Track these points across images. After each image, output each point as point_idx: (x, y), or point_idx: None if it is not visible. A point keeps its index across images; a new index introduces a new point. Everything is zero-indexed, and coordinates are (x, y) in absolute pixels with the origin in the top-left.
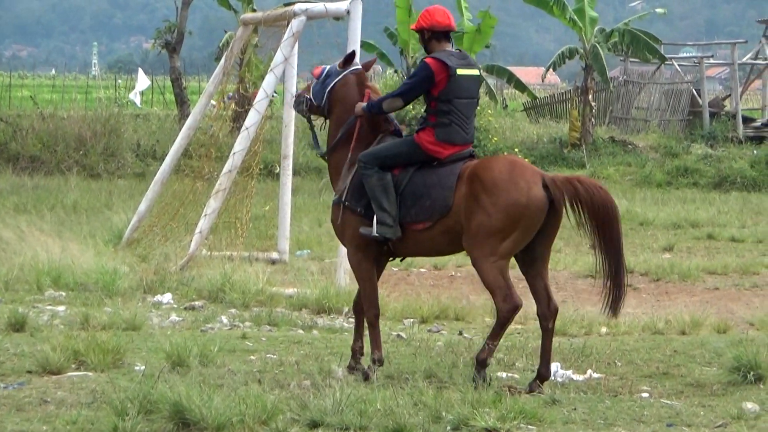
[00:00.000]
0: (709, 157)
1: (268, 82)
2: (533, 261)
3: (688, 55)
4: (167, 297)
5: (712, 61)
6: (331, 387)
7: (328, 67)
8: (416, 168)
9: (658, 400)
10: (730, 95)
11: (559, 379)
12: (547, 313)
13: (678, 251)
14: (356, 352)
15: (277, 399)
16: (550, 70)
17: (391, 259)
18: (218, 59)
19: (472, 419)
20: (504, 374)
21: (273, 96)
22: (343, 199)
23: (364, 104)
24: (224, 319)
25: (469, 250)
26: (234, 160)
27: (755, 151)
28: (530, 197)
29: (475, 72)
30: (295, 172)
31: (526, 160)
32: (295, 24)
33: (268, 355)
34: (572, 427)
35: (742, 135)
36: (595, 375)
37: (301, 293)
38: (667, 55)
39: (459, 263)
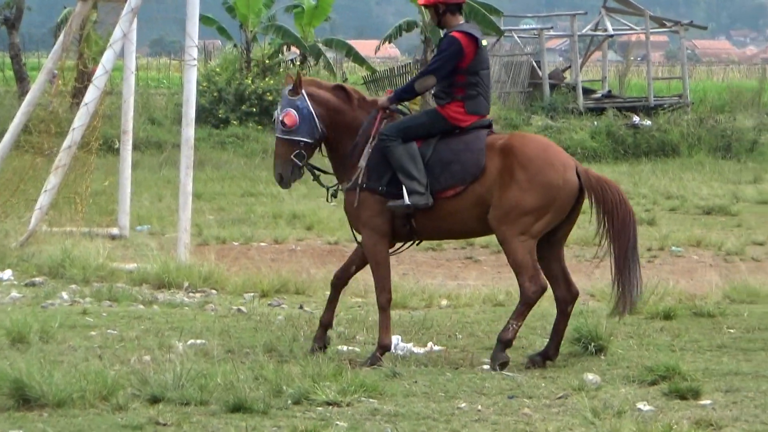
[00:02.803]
0: (549, 129)
1: (108, 58)
2: (553, 245)
3: (528, 27)
4: (7, 273)
5: (552, 32)
6: (171, 362)
7: (287, 109)
8: (439, 138)
9: (499, 372)
10: (570, 67)
11: (400, 352)
12: (568, 297)
13: None
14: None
15: (118, 374)
16: (386, 42)
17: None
18: (57, 35)
19: (312, 393)
20: (345, 348)
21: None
22: (360, 182)
23: (386, 96)
24: (65, 295)
25: (497, 226)
26: (74, 136)
27: (596, 123)
28: (566, 180)
29: (486, 41)
30: (135, 147)
31: None
32: None
33: (108, 331)
34: (413, 400)
35: (583, 106)
36: (436, 348)
37: (142, 268)
38: (507, 27)
39: (300, 237)
